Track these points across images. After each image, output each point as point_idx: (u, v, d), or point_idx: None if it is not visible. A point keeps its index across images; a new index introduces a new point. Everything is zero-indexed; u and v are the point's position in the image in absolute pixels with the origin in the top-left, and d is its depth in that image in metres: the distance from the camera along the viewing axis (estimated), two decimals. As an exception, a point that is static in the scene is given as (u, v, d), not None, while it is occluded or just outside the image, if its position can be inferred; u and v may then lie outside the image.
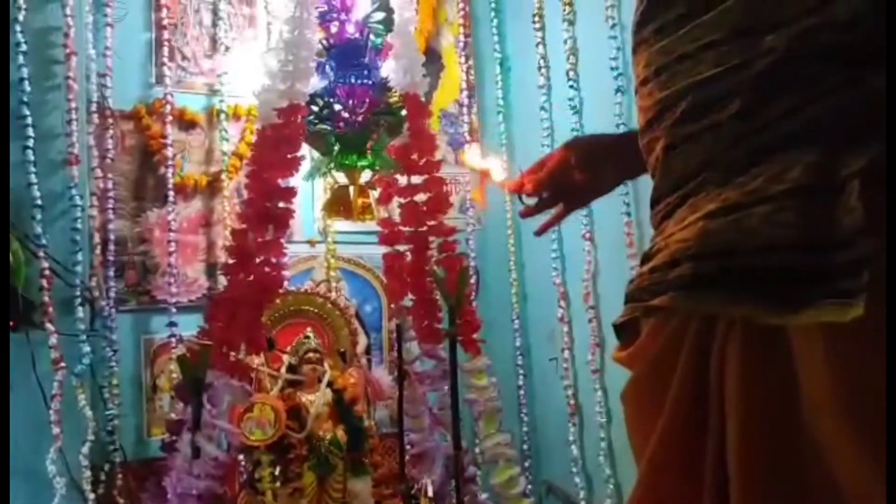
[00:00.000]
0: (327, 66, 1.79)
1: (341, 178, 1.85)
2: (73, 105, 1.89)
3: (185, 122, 2.23)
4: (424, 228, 1.80)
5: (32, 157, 1.80)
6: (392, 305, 1.92)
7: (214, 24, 2.29)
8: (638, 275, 0.76)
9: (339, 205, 1.86)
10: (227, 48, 2.28)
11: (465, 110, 2.58)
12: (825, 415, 0.60)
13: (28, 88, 1.81)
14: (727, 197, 0.66)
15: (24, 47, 1.81)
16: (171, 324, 2.11)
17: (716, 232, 0.66)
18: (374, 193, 1.89)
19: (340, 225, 2.30)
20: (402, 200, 1.81)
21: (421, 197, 1.79)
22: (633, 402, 0.78)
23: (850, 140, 0.61)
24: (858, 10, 0.61)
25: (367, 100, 1.77)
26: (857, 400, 0.58)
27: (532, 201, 1.14)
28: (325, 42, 1.80)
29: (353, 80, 1.77)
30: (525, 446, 2.41)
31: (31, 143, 1.80)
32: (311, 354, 1.85)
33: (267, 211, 1.64)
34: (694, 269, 0.66)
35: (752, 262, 0.63)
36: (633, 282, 0.76)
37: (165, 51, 2.20)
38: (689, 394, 0.68)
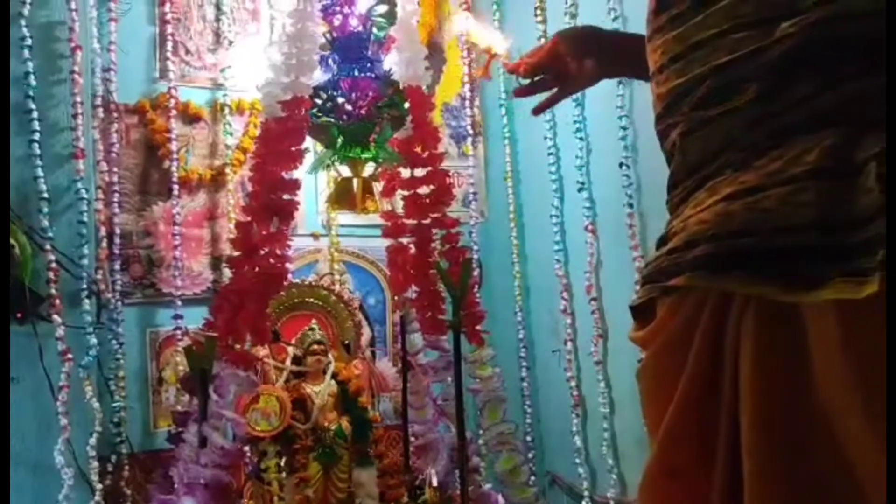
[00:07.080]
0: (330, 60, 1.80)
1: (345, 170, 1.86)
2: (79, 99, 1.91)
3: (189, 116, 2.24)
4: (427, 221, 1.80)
5: (38, 151, 1.81)
6: (396, 297, 1.94)
7: (218, 19, 2.30)
8: (654, 257, 0.77)
9: (342, 198, 1.87)
10: (230, 42, 2.29)
11: (467, 104, 2.59)
12: (837, 390, 0.61)
13: (33, 83, 1.82)
14: (745, 180, 0.67)
15: (29, 42, 1.82)
16: (177, 316, 2.12)
17: (734, 214, 0.67)
18: (378, 186, 1.90)
19: (344, 218, 2.32)
20: (406, 193, 1.82)
21: (424, 189, 1.80)
22: (649, 379, 0.80)
23: (867, 124, 0.62)
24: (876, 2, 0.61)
25: (371, 93, 1.78)
26: (869, 376, 0.59)
27: (527, 83, 1.26)
28: (328, 35, 1.80)
29: (356, 73, 1.78)
30: (528, 438, 2.41)
31: (37, 136, 1.81)
32: (315, 346, 1.87)
33: (271, 203, 1.64)
34: (711, 250, 0.68)
35: (770, 242, 0.64)
36: (650, 265, 0.78)
37: (169, 45, 2.21)
38: (704, 369, 0.70)
